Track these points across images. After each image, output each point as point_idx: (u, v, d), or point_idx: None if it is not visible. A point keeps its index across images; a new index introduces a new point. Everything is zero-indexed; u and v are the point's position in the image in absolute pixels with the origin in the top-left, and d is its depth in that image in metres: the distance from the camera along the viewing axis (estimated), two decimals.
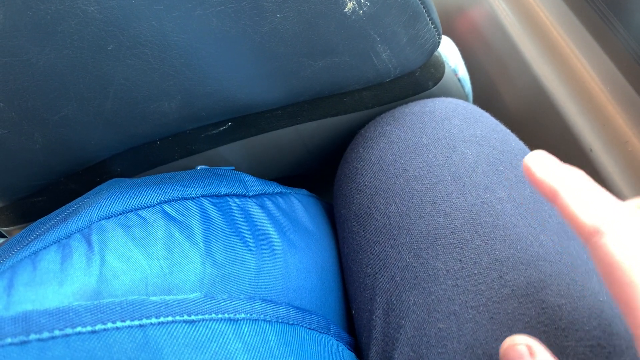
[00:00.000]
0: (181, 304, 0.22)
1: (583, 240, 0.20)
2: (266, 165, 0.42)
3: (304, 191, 0.38)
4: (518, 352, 0.22)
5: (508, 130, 0.36)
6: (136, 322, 0.20)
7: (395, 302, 0.29)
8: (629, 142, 0.40)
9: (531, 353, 0.22)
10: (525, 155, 0.34)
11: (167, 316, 0.21)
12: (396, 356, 0.28)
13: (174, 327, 0.21)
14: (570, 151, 0.43)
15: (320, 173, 0.47)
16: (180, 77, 0.31)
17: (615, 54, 0.43)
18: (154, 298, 0.21)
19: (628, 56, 0.42)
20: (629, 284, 0.17)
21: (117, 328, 0.20)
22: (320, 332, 0.27)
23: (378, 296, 0.30)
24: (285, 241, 0.32)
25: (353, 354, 0.31)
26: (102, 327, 0.20)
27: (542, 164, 0.22)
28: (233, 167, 0.39)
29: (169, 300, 0.21)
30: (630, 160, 0.39)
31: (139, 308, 0.21)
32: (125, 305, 0.21)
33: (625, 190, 0.39)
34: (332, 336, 0.29)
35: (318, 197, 0.41)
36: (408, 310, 0.28)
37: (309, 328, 0.26)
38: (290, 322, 0.25)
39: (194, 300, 0.22)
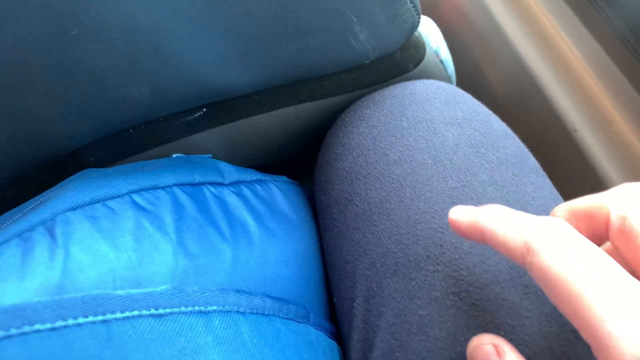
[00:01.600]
0: (148, 297, 0.21)
1: (521, 265, 0.19)
2: (246, 153, 0.41)
3: (284, 178, 0.38)
4: (485, 352, 0.21)
5: (490, 112, 0.35)
6: (99, 318, 0.19)
7: (375, 289, 0.29)
8: (613, 122, 0.39)
9: (498, 353, 0.21)
10: (508, 136, 0.33)
11: (133, 310, 0.20)
12: (377, 344, 0.27)
13: (140, 322, 0.20)
14: (555, 132, 0.42)
15: (302, 159, 0.46)
16: (150, 62, 0.30)
17: (600, 33, 0.42)
18: (119, 292, 0.20)
19: (613, 36, 0.41)
20: (575, 296, 0.16)
21: (79, 324, 0.19)
22: (298, 322, 0.26)
23: (358, 283, 0.30)
24: (263, 230, 0.31)
25: (334, 342, 0.30)
26: (63, 323, 0.19)
27: (465, 213, 0.23)
28: (210, 155, 0.38)
29: (135, 294, 0.21)
30: (615, 140, 0.39)
31: (103, 302, 0.20)
32: (87, 300, 0.20)
33: (609, 170, 0.38)
34: (311, 325, 0.28)
35: (299, 184, 0.40)
36: (389, 297, 0.28)
37: (286, 318, 0.25)
38: (266, 313, 0.24)
39: (162, 293, 0.21)
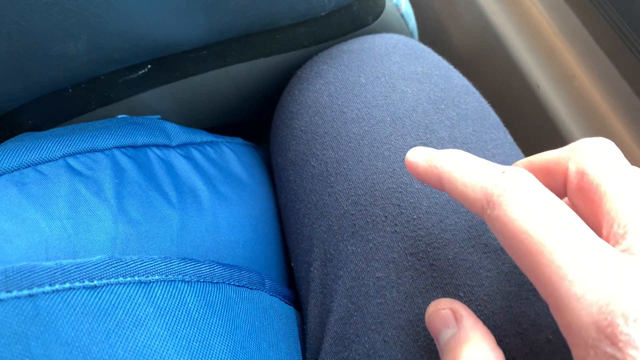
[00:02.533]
0: (81, 268, 0.19)
1: (480, 215, 0.18)
2: (197, 113, 0.39)
3: (239, 139, 0.36)
4: (442, 317, 0.20)
5: (451, 67, 0.34)
6: (25, 292, 0.18)
7: (333, 252, 0.28)
8: (575, 77, 0.38)
9: (455, 317, 0.20)
10: (469, 92, 0.32)
11: (64, 283, 0.18)
12: (334, 308, 0.26)
13: (72, 295, 0.18)
14: (517, 88, 0.41)
15: (259, 119, 0.44)
16: (85, 14, 0.27)
17: None
18: (47, 263, 0.19)
19: None
20: (535, 253, 0.15)
21: (1, 300, 0.17)
22: (251, 289, 0.25)
23: (316, 247, 0.29)
24: (214, 194, 0.29)
25: (292, 307, 0.29)
26: None
27: (423, 155, 0.21)
28: (159, 116, 0.35)
29: (65, 265, 0.19)
30: (577, 96, 0.38)
31: (29, 275, 0.18)
32: (10, 274, 0.18)
33: (571, 125, 0.38)
34: (266, 292, 0.27)
35: (256, 145, 0.38)
36: (346, 260, 0.27)
37: (238, 285, 0.24)
38: (215, 281, 0.23)
39: (97, 263, 0.19)
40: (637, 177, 0.17)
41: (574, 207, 0.19)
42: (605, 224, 0.17)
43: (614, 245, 0.16)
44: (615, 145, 0.19)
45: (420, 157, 0.21)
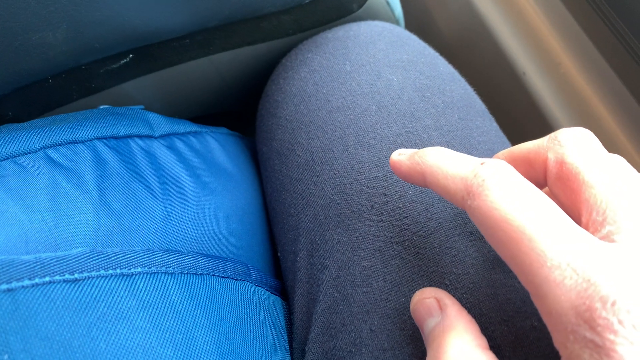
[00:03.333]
0: (61, 261, 0.19)
1: (461, 207, 0.18)
2: (182, 103, 0.38)
3: (224, 129, 0.35)
4: (426, 306, 0.21)
5: (437, 54, 0.34)
6: (3, 286, 0.17)
7: (319, 241, 0.27)
8: (561, 63, 0.38)
9: (440, 306, 0.20)
10: (455, 79, 0.32)
11: (44, 276, 0.18)
12: (321, 297, 0.26)
13: (52, 289, 0.18)
14: (504, 75, 0.41)
15: (245, 109, 0.43)
16: (63, 1, 0.27)
17: None
18: (26, 257, 0.18)
19: None
20: (515, 241, 0.16)
21: None
22: (236, 280, 0.25)
23: (302, 237, 0.28)
24: (198, 185, 0.29)
25: (278, 298, 0.29)
26: None
27: (406, 154, 0.22)
28: (143, 107, 0.35)
29: (45, 258, 0.18)
30: (563, 83, 0.38)
31: (7, 269, 0.18)
32: None
33: (557, 112, 0.38)
34: (251, 282, 0.26)
35: (241, 135, 0.38)
36: (332, 249, 0.27)
37: (222, 276, 0.24)
38: (199, 272, 0.23)
39: (77, 257, 0.19)
40: (615, 165, 0.18)
41: (554, 196, 0.19)
42: (584, 212, 0.17)
43: (593, 233, 0.16)
44: (593, 135, 0.19)
45: (403, 157, 0.22)
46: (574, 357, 0.14)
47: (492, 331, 0.23)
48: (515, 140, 0.24)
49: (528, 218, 0.16)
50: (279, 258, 0.32)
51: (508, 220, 0.16)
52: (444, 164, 0.19)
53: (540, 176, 0.20)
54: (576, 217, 0.18)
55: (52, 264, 0.19)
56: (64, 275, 0.19)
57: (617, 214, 0.16)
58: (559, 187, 0.18)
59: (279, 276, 0.33)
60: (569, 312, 0.14)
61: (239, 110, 0.44)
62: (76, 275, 0.19)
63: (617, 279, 0.14)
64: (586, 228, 0.17)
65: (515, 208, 0.16)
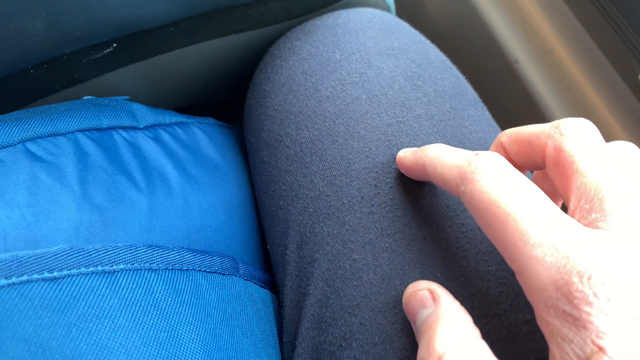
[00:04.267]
0: (39, 259, 0.18)
1: (456, 194, 0.20)
2: (168, 93, 0.37)
3: (211, 120, 0.34)
4: (419, 298, 0.21)
5: (428, 42, 0.33)
6: None
7: (308, 234, 0.27)
8: (554, 50, 0.38)
9: (433, 297, 0.21)
10: (446, 67, 0.31)
11: (21, 275, 0.17)
12: (311, 291, 0.26)
13: (29, 288, 0.17)
14: (496, 63, 0.40)
15: (233, 98, 0.43)
16: None
17: None
18: (2, 255, 0.18)
19: None
20: (502, 221, 0.17)
21: None
22: (223, 274, 0.24)
23: (291, 229, 0.28)
24: (184, 177, 0.28)
25: (268, 291, 0.29)
26: None
27: (410, 151, 0.24)
28: (128, 97, 0.34)
29: (22, 256, 0.18)
30: (555, 70, 0.38)
31: None
32: None
33: (549, 99, 0.37)
34: (240, 277, 0.26)
35: (229, 125, 0.37)
36: (322, 242, 0.26)
37: (209, 271, 0.23)
38: (184, 268, 0.22)
39: (57, 254, 0.18)
40: (610, 156, 0.18)
41: (551, 180, 0.20)
42: (573, 199, 0.18)
43: (579, 220, 0.17)
44: (594, 126, 0.20)
45: (407, 153, 0.24)
46: (555, 333, 0.15)
47: (484, 324, 0.22)
48: (507, 128, 0.24)
49: (514, 201, 0.17)
50: (268, 251, 0.31)
51: (496, 203, 0.17)
52: (443, 155, 0.21)
53: (539, 159, 0.21)
54: (568, 202, 0.19)
55: (29, 262, 0.18)
56: (42, 273, 0.18)
57: (604, 202, 0.17)
58: (555, 173, 0.19)
59: (269, 269, 0.32)
60: (549, 287, 0.15)
61: (228, 100, 0.43)
62: (55, 274, 0.18)
63: (594, 257, 0.15)
64: (573, 214, 0.18)
65: (504, 192, 0.17)
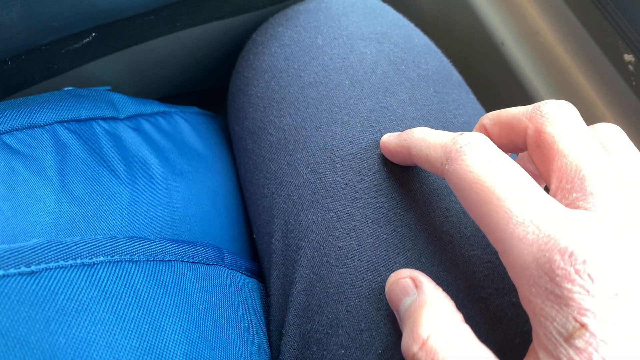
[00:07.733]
0: (15, 253, 0.18)
1: (441, 175, 0.20)
2: (150, 82, 0.37)
3: (194, 108, 0.34)
4: (402, 286, 0.21)
5: (412, 25, 0.32)
6: None
7: (293, 222, 0.27)
8: (540, 32, 0.37)
9: (415, 285, 0.21)
10: (430, 51, 0.31)
11: None
12: (297, 279, 0.26)
13: (6, 283, 0.17)
14: (482, 45, 0.40)
15: (217, 86, 0.42)
16: None
17: None
18: None
19: None
20: (485, 200, 0.17)
21: None
22: (207, 265, 0.24)
23: (276, 218, 0.28)
24: (167, 167, 0.28)
25: (254, 280, 0.29)
26: None
27: (394, 135, 0.24)
28: (109, 88, 0.33)
29: None
30: (541, 52, 0.37)
31: None
32: None
33: (536, 82, 0.37)
34: (225, 266, 0.26)
35: (213, 114, 0.36)
36: (307, 230, 0.26)
37: (192, 262, 0.23)
38: (167, 259, 0.22)
39: (34, 247, 0.18)
40: (591, 137, 0.18)
41: (533, 163, 0.20)
42: (554, 179, 0.18)
43: (560, 200, 0.17)
44: (575, 108, 0.20)
45: (392, 137, 0.24)
46: (538, 311, 0.15)
47: (470, 308, 0.22)
48: (493, 110, 0.24)
49: (498, 180, 0.17)
50: (255, 240, 0.31)
51: (480, 182, 0.17)
52: (428, 136, 0.21)
53: (521, 141, 0.21)
54: (549, 184, 0.19)
55: (5, 257, 0.18)
56: (19, 267, 0.18)
57: (585, 182, 0.17)
58: (537, 155, 0.19)
59: (256, 258, 0.32)
60: (531, 265, 0.15)
61: (211, 88, 0.42)
62: (32, 268, 0.18)
63: (575, 235, 0.15)
64: (555, 195, 0.18)
65: (488, 171, 0.17)
